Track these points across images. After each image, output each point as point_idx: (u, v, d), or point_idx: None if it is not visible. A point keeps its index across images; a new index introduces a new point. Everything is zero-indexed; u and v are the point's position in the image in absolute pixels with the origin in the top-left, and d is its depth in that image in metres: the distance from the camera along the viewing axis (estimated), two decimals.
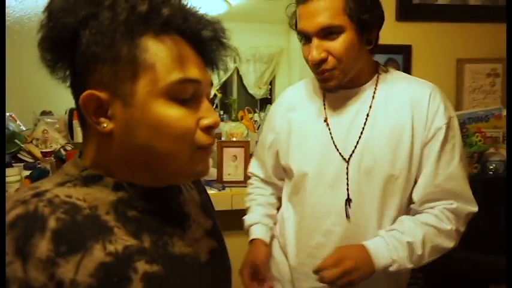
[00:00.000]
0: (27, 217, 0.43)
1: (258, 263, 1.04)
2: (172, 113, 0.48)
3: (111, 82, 0.47)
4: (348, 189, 0.94)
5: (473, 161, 1.58)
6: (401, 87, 0.96)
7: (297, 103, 1.07)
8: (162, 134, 0.48)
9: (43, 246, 0.42)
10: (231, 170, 1.70)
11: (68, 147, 1.75)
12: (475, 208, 0.93)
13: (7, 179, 1.47)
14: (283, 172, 1.10)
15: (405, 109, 0.93)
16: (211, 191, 1.63)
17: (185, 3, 0.50)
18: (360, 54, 0.92)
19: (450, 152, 0.93)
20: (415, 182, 0.95)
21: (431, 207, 0.93)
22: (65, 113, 2.19)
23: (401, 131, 0.93)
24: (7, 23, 1.92)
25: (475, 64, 1.70)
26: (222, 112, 4.91)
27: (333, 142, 0.96)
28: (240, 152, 1.69)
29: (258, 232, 1.08)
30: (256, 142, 1.94)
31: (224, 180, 1.69)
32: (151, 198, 0.53)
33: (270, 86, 5.39)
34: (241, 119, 2.11)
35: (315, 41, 0.88)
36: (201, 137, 0.51)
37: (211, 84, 0.53)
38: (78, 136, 2.02)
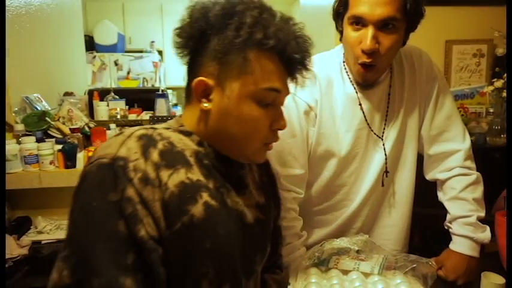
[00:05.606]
0: (148, 136, 0.62)
1: None
2: (254, 112, 0.63)
3: (220, 76, 0.62)
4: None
5: None
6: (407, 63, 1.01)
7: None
8: (242, 126, 0.64)
9: (155, 156, 0.60)
10: None
11: (91, 124, 1.93)
12: None
13: (42, 152, 1.65)
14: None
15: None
16: None
17: (289, 30, 0.63)
18: (395, 53, 0.92)
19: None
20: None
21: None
22: (84, 94, 2.37)
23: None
24: (28, 12, 2.06)
25: (462, 45, 1.85)
26: None
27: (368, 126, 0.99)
28: None
29: None
30: None
31: None
32: (222, 160, 0.68)
33: None
34: None
35: (373, 30, 0.85)
36: (269, 136, 0.67)
37: (288, 94, 0.68)
38: (98, 114, 2.20)
